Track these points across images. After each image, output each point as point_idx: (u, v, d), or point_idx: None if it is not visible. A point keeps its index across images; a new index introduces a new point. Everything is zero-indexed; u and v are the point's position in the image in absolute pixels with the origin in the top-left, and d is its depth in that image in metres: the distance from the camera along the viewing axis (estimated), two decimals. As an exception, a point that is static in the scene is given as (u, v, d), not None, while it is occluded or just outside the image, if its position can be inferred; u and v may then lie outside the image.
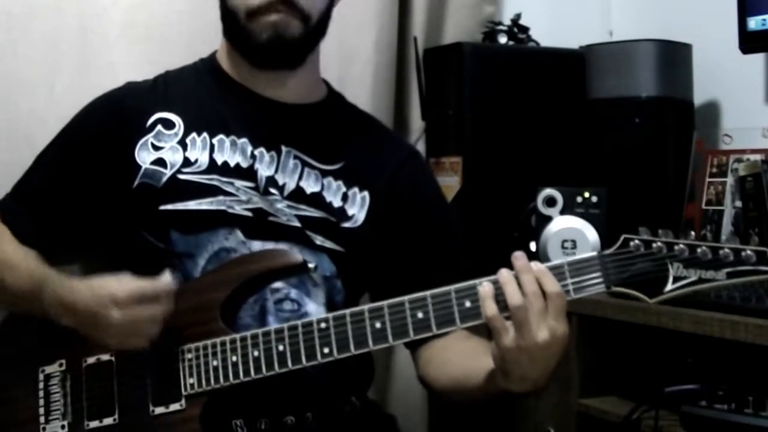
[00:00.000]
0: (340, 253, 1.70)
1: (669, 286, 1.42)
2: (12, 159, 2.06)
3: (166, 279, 1.56)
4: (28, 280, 1.68)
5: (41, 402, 1.68)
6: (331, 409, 1.72)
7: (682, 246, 1.42)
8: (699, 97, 2.46)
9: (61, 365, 1.68)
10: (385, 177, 1.76)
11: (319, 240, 1.69)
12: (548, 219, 2.23)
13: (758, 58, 2.37)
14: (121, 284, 1.55)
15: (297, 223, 1.68)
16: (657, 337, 1.96)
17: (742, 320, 1.74)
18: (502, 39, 2.62)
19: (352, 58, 2.41)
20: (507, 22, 2.67)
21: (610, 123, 2.42)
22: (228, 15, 1.72)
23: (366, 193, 1.74)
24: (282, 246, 1.67)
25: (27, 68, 2.17)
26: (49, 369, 1.69)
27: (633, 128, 2.37)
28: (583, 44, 2.54)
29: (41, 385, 1.69)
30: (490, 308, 1.42)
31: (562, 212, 2.22)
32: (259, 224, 1.68)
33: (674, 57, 2.40)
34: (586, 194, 2.22)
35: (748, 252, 1.39)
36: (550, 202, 2.23)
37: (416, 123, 2.66)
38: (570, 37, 2.67)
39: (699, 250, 1.41)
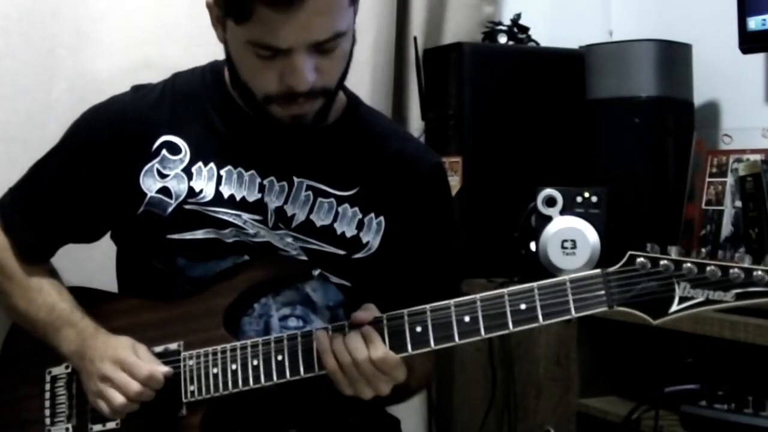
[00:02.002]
0: (347, 286, 1.67)
1: (674, 307, 1.39)
2: (9, 162, 2.06)
3: (160, 369, 1.57)
4: (47, 312, 1.69)
5: (47, 403, 1.70)
6: (334, 420, 1.70)
7: (690, 265, 1.38)
8: (699, 97, 2.46)
9: (67, 367, 1.70)
10: (403, 199, 1.70)
11: (326, 274, 1.66)
12: (548, 219, 2.22)
13: (758, 58, 2.37)
14: (123, 350, 1.59)
15: (304, 257, 1.65)
16: (657, 337, 1.96)
17: (741, 320, 1.74)
18: (502, 39, 2.63)
19: (350, 60, 2.41)
20: (507, 22, 2.68)
21: (609, 123, 2.41)
22: (242, 86, 1.59)
23: (382, 218, 1.68)
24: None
25: (25, 73, 2.17)
26: (55, 371, 1.70)
27: (633, 128, 2.37)
28: (582, 44, 2.54)
29: (48, 386, 1.70)
30: (330, 362, 1.50)
31: (562, 212, 2.22)
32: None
33: (674, 57, 2.40)
34: (586, 194, 2.21)
35: (759, 273, 1.35)
36: (550, 202, 2.23)
37: (416, 123, 2.67)
38: (570, 37, 2.68)
39: (708, 269, 1.37)
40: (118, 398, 1.57)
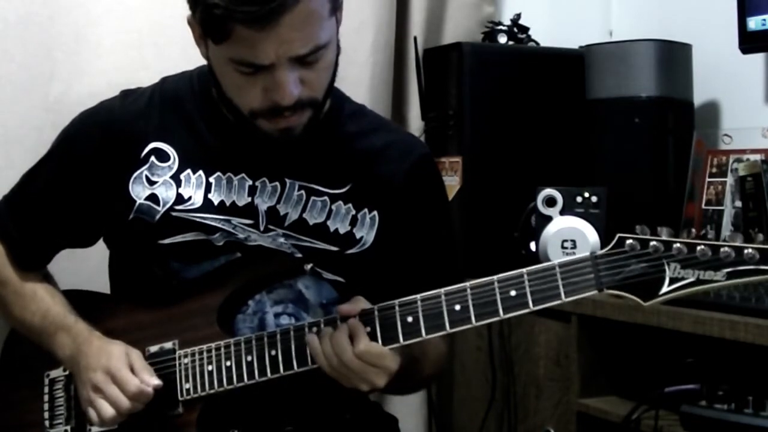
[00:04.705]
0: (341, 282, 1.67)
1: (665, 288, 1.37)
2: (7, 164, 2.06)
3: (150, 382, 1.58)
4: (41, 318, 1.70)
5: (46, 406, 1.70)
6: (331, 418, 1.71)
7: (679, 245, 1.36)
8: (699, 97, 2.46)
9: (65, 370, 1.70)
10: (394, 191, 1.70)
11: (319, 271, 1.66)
12: (548, 219, 2.22)
13: (758, 58, 2.37)
14: (116, 360, 1.59)
15: (299, 255, 1.65)
16: (657, 337, 1.96)
17: (741, 320, 1.74)
18: (502, 39, 2.63)
19: (350, 59, 2.41)
20: (507, 22, 2.68)
21: (609, 123, 2.41)
22: (229, 101, 1.59)
23: (375, 213, 1.69)
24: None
25: (22, 75, 2.17)
26: (54, 374, 1.71)
27: (633, 128, 2.37)
28: (582, 44, 2.54)
29: (46, 389, 1.71)
30: (323, 364, 1.52)
31: (562, 212, 2.22)
32: None
33: (674, 57, 2.40)
34: (586, 194, 2.22)
35: (750, 251, 1.33)
36: (550, 202, 2.23)
37: (416, 123, 2.67)
38: (570, 37, 2.68)
39: (698, 249, 1.35)
40: (109, 411, 1.58)
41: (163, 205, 1.64)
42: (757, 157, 2.22)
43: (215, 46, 1.51)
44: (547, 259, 2.18)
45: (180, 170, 1.65)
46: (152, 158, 1.66)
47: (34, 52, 2.18)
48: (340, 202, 1.67)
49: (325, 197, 1.67)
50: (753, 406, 1.73)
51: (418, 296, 1.50)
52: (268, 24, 1.42)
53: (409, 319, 1.49)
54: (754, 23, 2.20)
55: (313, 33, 1.48)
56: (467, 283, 1.48)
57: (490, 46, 2.63)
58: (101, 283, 1.78)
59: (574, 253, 2.15)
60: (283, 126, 1.55)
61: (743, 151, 2.29)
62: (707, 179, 2.34)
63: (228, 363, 1.57)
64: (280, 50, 1.46)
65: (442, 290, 1.48)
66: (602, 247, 1.43)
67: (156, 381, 1.58)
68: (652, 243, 1.38)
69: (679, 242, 1.37)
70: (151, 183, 1.65)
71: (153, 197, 1.65)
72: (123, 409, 1.57)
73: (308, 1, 1.44)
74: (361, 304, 1.54)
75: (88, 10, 2.23)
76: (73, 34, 2.21)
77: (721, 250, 1.34)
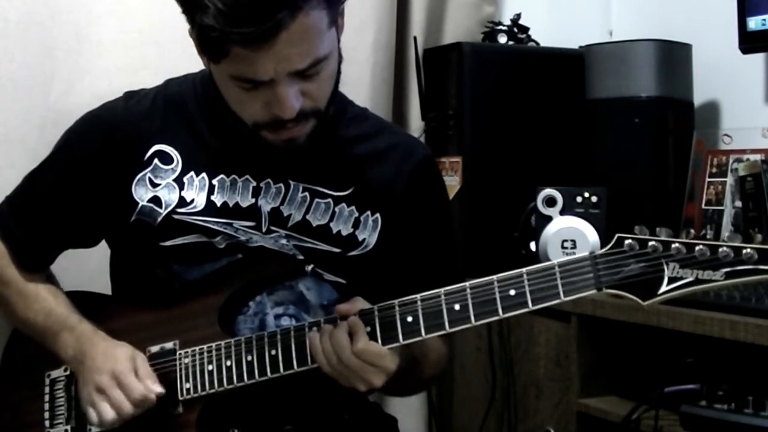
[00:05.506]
0: (342, 284, 1.68)
1: (663, 288, 1.38)
2: (8, 164, 2.06)
3: (154, 390, 1.58)
4: (44, 318, 1.70)
5: (47, 406, 1.71)
6: (330, 418, 1.71)
7: (678, 245, 1.36)
8: (699, 97, 2.46)
9: (66, 370, 1.71)
10: (396, 193, 1.70)
11: (321, 272, 1.66)
12: (548, 219, 2.23)
13: (758, 58, 2.37)
14: (122, 364, 1.60)
15: (301, 257, 1.66)
16: (657, 337, 1.96)
17: (741, 320, 1.74)
18: (502, 39, 2.63)
19: (351, 58, 2.40)
20: (507, 22, 2.68)
21: (609, 123, 2.42)
22: (233, 112, 1.58)
23: (378, 216, 1.69)
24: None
25: (23, 74, 2.17)
26: (54, 374, 1.71)
27: (633, 128, 2.37)
28: (582, 44, 2.54)
29: (47, 389, 1.71)
30: (322, 363, 1.52)
31: (562, 212, 2.22)
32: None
33: (674, 57, 2.40)
34: (586, 194, 2.22)
35: (749, 250, 1.33)
36: (550, 202, 2.23)
37: (416, 123, 2.67)
38: (570, 37, 2.68)
39: (697, 248, 1.35)
40: (110, 413, 1.59)
41: (165, 208, 1.64)
42: (757, 157, 2.23)
43: (214, 65, 1.51)
44: (547, 259, 2.18)
45: (183, 173, 1.66)
46: (155, 161, 1.66)
47: (35, 52, 2.18)
48: (344, 205, 1.67)
49: (329, 199, 1.67)
50: (753, 406, 1.73)
51: (418, 296, 1.50)
52: (265, 44, 1.42)
53: (409, 318, 1.50)
54: (754, 23, 2.20)
55: (312, 47, 1.47)
56: (467, 283, 1.48)
57: (490, 46, 2.63)
58: (102, 284, 1.79)
59: (574, 253, 2.15)
60: (287, 137, 1.56)
61: (743, 151, 2.29)
62: (707, 179, 2.34)
63: (228, 363, 1.58)
64: (279, 67, 1.45)
65: (442, 290, 1.49)
66: (602, 247, 1.43)
67: (159, 389, 1.59)
68: (651, 243, 1.39)
69: (678, 242, 1.37)
70: (154, 185, 1.65)
71: (155, 200, 1.65)
72: (125, 414, 1.58)
73: (305, 17, 1.43)
74: (359, 304, 1.54)
75: (89, 10, 2.23)
76: (74, 33, 2.22)
77: (720, 249, 1.35)
